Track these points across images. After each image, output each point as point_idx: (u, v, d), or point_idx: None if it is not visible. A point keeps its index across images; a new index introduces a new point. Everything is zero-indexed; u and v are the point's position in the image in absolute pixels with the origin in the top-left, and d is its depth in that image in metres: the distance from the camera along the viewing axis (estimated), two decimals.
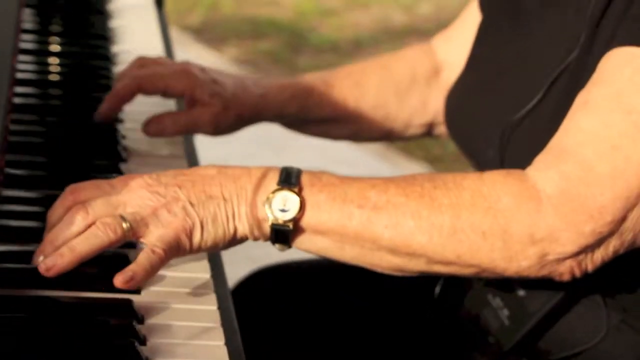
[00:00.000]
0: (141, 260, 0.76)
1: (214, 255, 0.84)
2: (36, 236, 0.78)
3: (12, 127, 0.94)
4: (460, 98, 1.09)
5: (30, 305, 0.71)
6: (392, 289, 1.15)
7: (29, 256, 0.77)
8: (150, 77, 1.07)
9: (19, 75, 1.08)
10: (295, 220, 0.81)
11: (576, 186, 0.82)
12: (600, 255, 0.84)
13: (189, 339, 0.72)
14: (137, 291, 0.75)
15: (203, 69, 1.09)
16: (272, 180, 0.82)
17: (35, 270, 0.74)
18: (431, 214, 0.83)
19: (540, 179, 0.83)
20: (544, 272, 0.84)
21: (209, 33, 3.92)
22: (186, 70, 1.08)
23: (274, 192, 0.81)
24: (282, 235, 0.83)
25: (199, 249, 0.81)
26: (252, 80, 1.14)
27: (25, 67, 1.13)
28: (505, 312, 0.97)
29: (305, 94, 1.14)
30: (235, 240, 0.83)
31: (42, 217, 0.81)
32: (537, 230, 0.82)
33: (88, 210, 0.78)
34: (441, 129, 1.19)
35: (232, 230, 0.82)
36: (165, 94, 1.08)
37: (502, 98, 1.01)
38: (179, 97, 1.11)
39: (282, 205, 0.81)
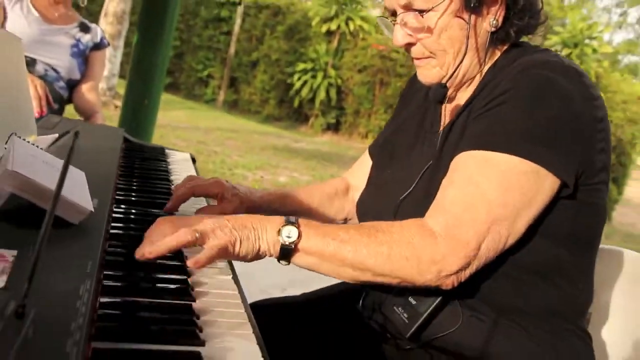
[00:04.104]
0: (204, 253, 0.95)
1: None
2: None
3: (111, 243, 1.06)
4: (365, 199, 1.35)
5: (121, 357, 0.76)
6: (330, 303, 1.36)
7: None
8: (198, 186, 1.31)
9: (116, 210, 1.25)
10: (295, 244, 1.00)
11: (453, 228, 1.00)
12: (468, 272, 1.02)
13: None
14: (203, 344, 0.81)
15: (227, 180, 1.35)
16: (282, 220, 1.01)
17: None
18: (376, 246, 1.00)
19: (433, 224, 1.02)
20: (438, 283, 1.02)
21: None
22: (218, 181, 1.34)
23: (283, 225, 1.01)
24: (286, 253, 1.00)
25: (238, 257, 0.99)
26: (254, 189, 1.40)
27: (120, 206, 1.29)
28: (405, 315, 1.14)
29: (283, 199, 1.42)
30: (258, 255, 1.01)
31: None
32: (436, 256, 1.00)
33: (175, 223, 0.97)
34: (352, 222, 1.47)
35: (257, 247, 1.00)
36: (207, 195, 1.34)
37: (390, 195, 1.21)
38: (213, 197, 1.33)
39: (288, 234, 1.00)
